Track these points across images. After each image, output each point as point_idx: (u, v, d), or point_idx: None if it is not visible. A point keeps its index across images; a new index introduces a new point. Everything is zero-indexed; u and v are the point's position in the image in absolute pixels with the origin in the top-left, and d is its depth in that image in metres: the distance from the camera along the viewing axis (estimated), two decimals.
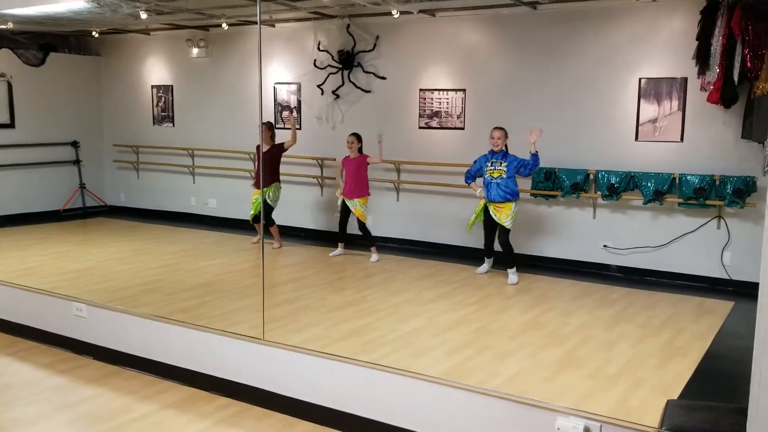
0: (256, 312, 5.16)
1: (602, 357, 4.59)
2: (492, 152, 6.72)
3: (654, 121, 6.95)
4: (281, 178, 8.28)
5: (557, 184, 7.39)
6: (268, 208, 8.12)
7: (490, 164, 6.69)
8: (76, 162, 10.99)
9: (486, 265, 7.14)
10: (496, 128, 6.75)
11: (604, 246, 7.30)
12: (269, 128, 8.23)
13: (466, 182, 7.03)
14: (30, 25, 9.34)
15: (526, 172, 6.61)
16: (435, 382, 4.02)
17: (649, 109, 6.97)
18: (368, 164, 7.70)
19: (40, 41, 10.45)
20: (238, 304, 5.75)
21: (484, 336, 4.99)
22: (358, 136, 7.72)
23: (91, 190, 11.16)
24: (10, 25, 8.91)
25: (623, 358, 4.59)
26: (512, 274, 6.76)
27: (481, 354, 4.57)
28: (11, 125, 10.18)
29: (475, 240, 7.96)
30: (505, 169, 6.60)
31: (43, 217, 10.35)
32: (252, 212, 8.20)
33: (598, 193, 7.18)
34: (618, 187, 7.02)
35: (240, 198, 9.76)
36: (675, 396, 3.91)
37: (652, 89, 6.93)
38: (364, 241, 7.83)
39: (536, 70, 7.52)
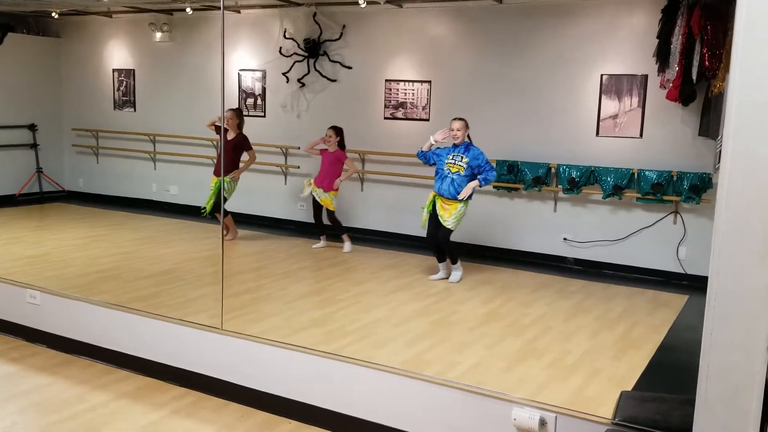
0: (215, 301, 5.12)
1: (560, 348, 4.66)
2: (454, 146, 6.30)
3: (614, 117, 7.05)
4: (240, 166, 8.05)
5: (519, 177, 7.46)
6: (223, 198, 7.80)
7: (451, 157, 6.22)
8: (33, 146, 10.74)
9: (442, 273, 6.52)
10: (455, 119, 6.25)
11: (564, 239, 7.40)
12: (237, 115, 7.82)
13: (418, 157, 6.45)
14: None
15: (482, 183, 6.19)
16: (394, 372, 4.04)
17: (609, 105, 7.07)
18: (342, 164, 7.55)
19: None
20: (198, 293, 5.69)
21: (444, 327, 5.03)
22: (337, 130, 7.54)
23: (49, 174, 10.92)
24: None
25: (580, 349, 4.67)
26: (455, 271, 6.43)
27: (440, 345, 4.61)
28: None
29: None
30: (464, 165, 6.16)
31: None
32: (210, 201, 7.81)
33: (560, 186, 7.27)
34: (579, 181, 7.12)
35: (202, 185, 9.60)
36: (629, 387, 3.99)
37: (613, 85, 7.03)
38: (336, 231, 7.72)
39: (501, 64, 7.57)
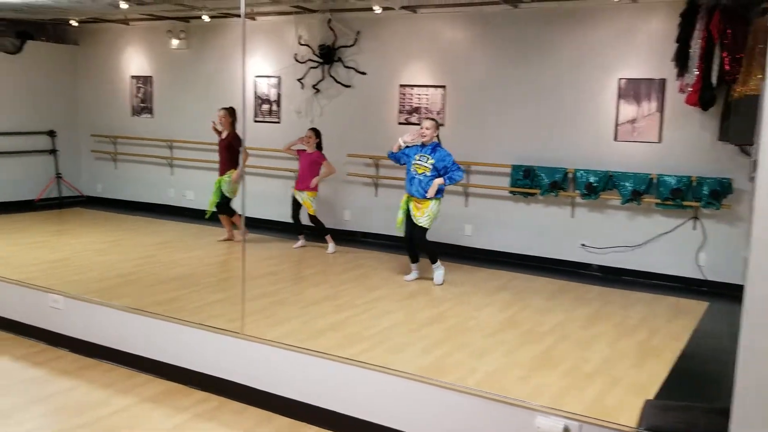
0: (233, 305, 5.14)
1: (578, 356, 4.63)
2: (422, 145, 6.32)
3: (633, 121, 7.00)
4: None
5: (536, 182, 7.42)
6: (224, 198, 7.96)
7: (418, 157, 6.26)
8: (53, 151, 10.84)
9: (414, 273, 6.58)
10: (426, 118, 6.50)
11: (582, 245, 7.35)
12: (230, 114, 7.89)
13: (389, 158, 6.52)
14: (7, 12, 9.17)
15: (447, 182, 6.24)
16: (413, 379, 4.03)
17: (628, 110, 7.02)
18: (320, 165, 7.69)
19: (17, 29, 10.27)
20: (216, 297, 5.71)
21: (461, 333, 5.01)
22: (316, 132, 7.76)
23: (68, 179, 11.01)
24: None
25: (599, 357, 4.63)
26: (437, 270, 6.43)
27: (458, 351, 4.59)
28: None
29: (453, 237, 8.01)
30: (430, 166, 6.20)
31: (18, 206, 10.18)
32: (212, 201, 7.95)
33: (577, 192, 7.23)
34: (596, 186, 7.08)
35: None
36: (650, 396, 3.95)
37: (631, 90, 6.98)
38: (317, 232, 7.83)
39: (516, 69, 7.55)
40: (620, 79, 7.02)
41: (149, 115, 10.48)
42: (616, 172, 7.02)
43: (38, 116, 10.64)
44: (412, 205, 6.36)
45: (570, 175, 7.29)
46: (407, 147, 6.36)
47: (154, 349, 4.97)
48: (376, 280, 6.56)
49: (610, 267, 7.21)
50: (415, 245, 6.49)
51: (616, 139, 7.10)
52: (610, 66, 7.07)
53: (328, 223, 8.06)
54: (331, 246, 7.73)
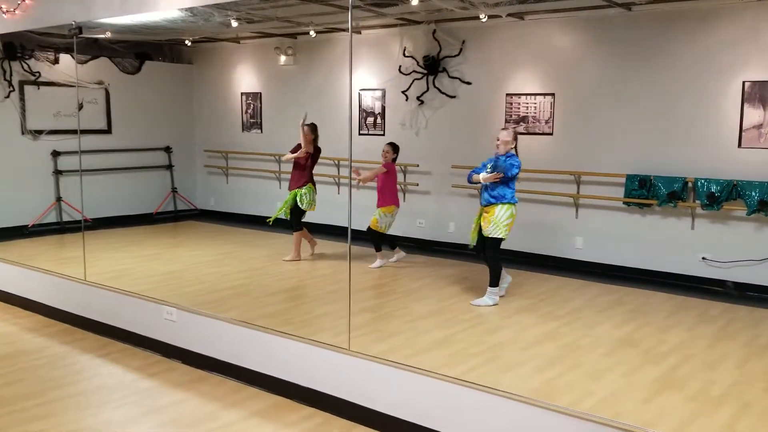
0: (340, 319, 5.14)
1: (704, 378, 4.31)
2: (497, 156, 5.95)
3: (759, 126, 6.53)
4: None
5: (653, 192, 7.05)
6: (299, 211, 7.80)
7: (490, 167, 5.92)
8: (169, 167, 11.36)
9: (379, 261, 6.40)
10: (503, 129, 6.11)
11: (703, 258, 6.91)
12: (313, 130, 7.77)
13: (468, 181, 6.18)
14: (127, 34, 9.70)
15: (506, 173, 5.80)
16: (524, 401, 3.84)
17: (753, 114, 6.56)
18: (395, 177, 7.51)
19: (136, 50, 10.85)
20: (323, 310, 5.75)
21: (575, 352, 4.79)
22: (394, 146, 7.50)
23: (183, 194, 11.51)
24: (108, 35, 9.27)
25: (727, 379, 4.30)
26: (490, 295, 5.98)
27: (572, 371, 4.38)
28: (108, 131, 10.62)
29: (563, 250, 7.76)
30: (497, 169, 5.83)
31: (137, 219, 10.73)
32: (284, 210, 7.81)
33: (697, 202, 6.81)
34: (719, 196, 6.64)
35: (324, 202, 9.79)
36: None
37: (757, 93, 6.52)
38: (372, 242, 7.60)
39: (630, 73, 7.22)
40: (744, 81, 6.57)
41: (258, 131, 10.78)
42: (741, 180, 6.56)
43: (155, 133, 11.20)
44: (481, 218, 6.02)
45: (690, 185, 6.88)
46: (483, 164, 6.03)
47: (262, 362, 5.03)
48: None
49: (735, 282, 6.73)
50: (486, 258, 6.10)
51: (740, 145, 6.64)
52: (733, 68, 6.63)
53: (434, 236, 7.97)
54: (378, 262, 7.50)
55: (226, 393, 4.94)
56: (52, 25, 7.20)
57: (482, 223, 5.97)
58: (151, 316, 5.79)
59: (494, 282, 6.01)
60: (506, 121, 8.12)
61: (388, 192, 7.49)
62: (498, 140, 5.97)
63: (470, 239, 6.23)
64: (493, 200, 5.88)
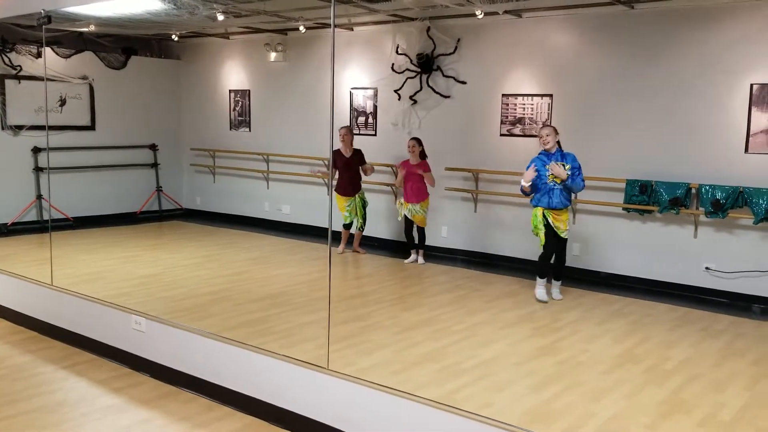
0: (324, 329, 4.80)
1: (712, 400, 4.01)
2: (546, 154, 6.07)
3: (767, 131, 6.24)
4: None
5: (654, 198, 6.76)
6: (365, 213, 8.18)
7: (549, 167, 6.00)
8: (154, 165, 11.02)
9: (544, 289, 6.24)
10: (543, 126, 6.35)
11: (707, 268, 6.61)
12: (350, 132, 8.10)
13: (525, 193, 6.17)
14: (113, 28, 9.37)
15: (568, 183, 5.99)
16: (518, 430, 3.46)
17: (761, 118, 6.26)
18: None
19: (122, 45, 10.51)
20: (306, 319, 5.43)
21: (573, 369, 4.47)
22: (418, 140, 7.66)
23: (168, 193, 11.17)
24: (92, 27, 8.94)
25: (738, 402, 4.00)
26: (558, 289, 6.40)
27: (570, 391, 4.06)
28: (92, 127, 10.29)
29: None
30: (569, 171, 6.00)
31: (121, 219, 10.40)
32: (348, 218, 8.08)
33: (701, 209, 6.52)
34: (724, 203, 6.34)
35: (314, 204, 9.52)
36: None
37: (766, 96, 6.23)
38: (419, 243, 7.82)
39: (632, 75, 6.92)
40: (752, 84, 6.28)
41: (246, 129, 10.46)
42: (747, 187, 6.26)
43: (141, 130, 10.86)
44: (551, 219, 6.12)
45: (693, 191, 6.58)
46: (536, 170, 6.03)
47: (235, 379, 4.62)
48: (476, 303, 6.10)
49: (741, 293, 6.43)
50: (561, 259, 6.31)
51: (747, 150, 6.35)
52: (741, 70, 6.34)
53: (426, 240, 7.72)
54: (420, 259, 7.78)
55: (196, 412, 4.55)
56: (20, 14, 6.82)
57: (559, 225, 6.14)
58: (119, 325, 5.37)
59: (562, 276, 6.42)
60: (501, 123, 7.82)
61: (423, 185, 7.68)
62: (542, 137, 6.07)
63: (541, 245, 6.22)
64: (567, 203, 6.16)
